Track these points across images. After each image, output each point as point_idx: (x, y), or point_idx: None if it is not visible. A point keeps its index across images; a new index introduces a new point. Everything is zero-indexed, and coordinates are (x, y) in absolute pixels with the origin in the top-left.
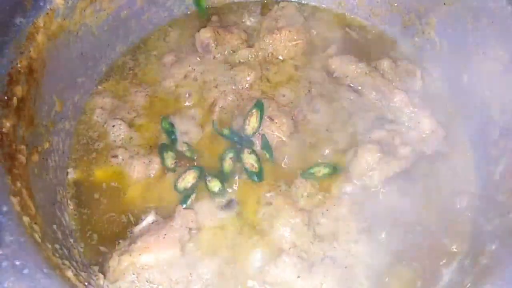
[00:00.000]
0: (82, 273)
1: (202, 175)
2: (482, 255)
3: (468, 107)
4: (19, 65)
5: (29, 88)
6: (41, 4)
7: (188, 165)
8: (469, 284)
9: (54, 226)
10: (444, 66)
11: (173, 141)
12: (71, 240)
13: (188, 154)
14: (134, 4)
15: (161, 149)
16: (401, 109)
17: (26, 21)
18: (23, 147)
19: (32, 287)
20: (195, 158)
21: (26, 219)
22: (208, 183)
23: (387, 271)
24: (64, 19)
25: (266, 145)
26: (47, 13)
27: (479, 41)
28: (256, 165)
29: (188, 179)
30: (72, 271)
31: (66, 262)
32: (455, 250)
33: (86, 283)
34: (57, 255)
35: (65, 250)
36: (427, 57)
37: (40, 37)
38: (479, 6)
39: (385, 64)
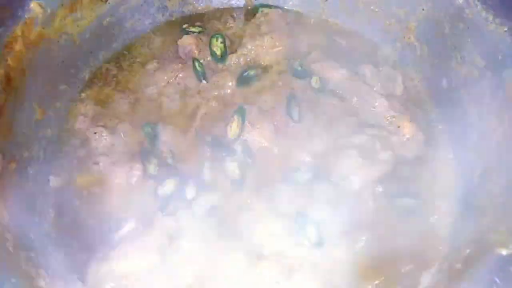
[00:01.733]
0: (59, 282)
1: (182, 182)
2: (457, 260)
3: (448, 112)
4: None
5: (7, 97)
6: (19, 13)
7: (169, 172)
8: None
9: (31, 235)
10: (424, 70)
11: (156, 147)
12: (49, 248)
13: (170, 161)
14: (116, 11)
15: (144, 156)
16: (381, 114)
17: (3, 29)
18: None
19: None
20: (177, 165)
21: None
22: (184, 189)
23: (367, 276)
24: (43, 28)
25: (248, 151)
26: (26, 22)
27: (456, 46)
28: (237, 171)
29: (168, 186)
30: (44, 280)
31: (41, 271)
32: (434, 255)
33: None
34: (31, 263)
35: (40, 258)
36: (408, 62)
37: (18, 46)
38: (455, 12)
39: (366, 69)
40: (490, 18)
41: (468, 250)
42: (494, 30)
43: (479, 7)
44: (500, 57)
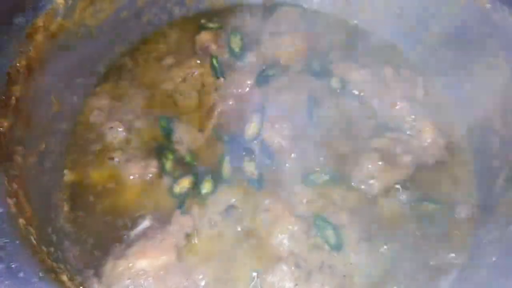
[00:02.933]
0: (76, 277)
1: (198, 181)
2: (481, 267)
3: (470, 117)
4: (18, 65)
5: (28, 88)
6: (41, 3)
7: (184, 170)
8: None
9: (49, 229)
10: (446, 74)
11: (170, 141)
12: (66, 243)
13: (188, 159)
14: (134, 5)
15: (160, 152)
16: (402, 117)
17: (25, 20)
18: (20, 147)
19: None
20: (194, 163)
21: (21, 221)
22: (200, 186)
23: (386, 281)
24: (64, 19)
25: (266, 151)
26: (47, 13)
27: (481, 51)
28: (255, 172)
29: (184, 184)
30: (66, 275)
31: (61, 266)
32: (454, 261)
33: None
34: (52, 258)
35: (59, 254)
36: (429, 66)
37: (39, 37)
38: (481, 16)
39: (387, 71)
40: None
41: (494, 258)
42: None
43: (507, 12)
44: None
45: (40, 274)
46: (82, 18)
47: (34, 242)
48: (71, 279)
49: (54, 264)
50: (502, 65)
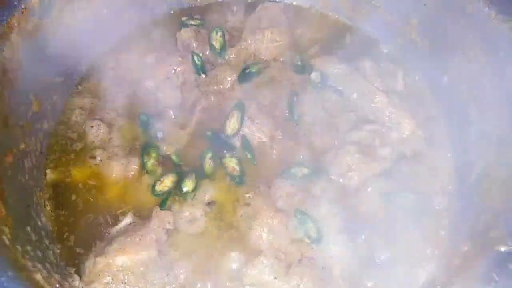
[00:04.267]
0: (56, 275)
1: (180, 179)
2: (455, 256)
3: (448, 109)
4: None
5: (3, 89)
6: (16, 2)
7: (167, 166)
8: (439, 286)
9: (28, 228)
10: (425, 67)
11: (152, 139)
12: (47, 242)
13: (168, 156)
14: (114, 3)
15: (143, 150)
16: (381, 110)
17: None
18: None
19: None
20: (175, 160)
21: None
22: (182, 184)
23: (365, 272)
24: (40, 19)
25: (247, 146)
26: (22, 12)
27: (458, 42)
28: (237, 168)
29: (166, 183)
30: (41, 274)
31: (38, 265)
32: (432, 251)
33: (57, 285)
34: (28, 257)
35: (38, 252)
36: (409, 58)
37: (14, 37)
38: (457, 8)
39: (366, 64)
40: (493, 14)
41: (466, 248)
42: (496, 27)
43: (482, 3)
44: (501, 53)
45: (9, 273)
46: (60, 17)
47: (7, 241)
48: (47, 278)
49: (29, 263)
50: (478, 56)
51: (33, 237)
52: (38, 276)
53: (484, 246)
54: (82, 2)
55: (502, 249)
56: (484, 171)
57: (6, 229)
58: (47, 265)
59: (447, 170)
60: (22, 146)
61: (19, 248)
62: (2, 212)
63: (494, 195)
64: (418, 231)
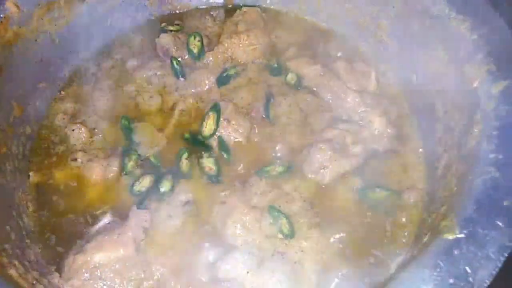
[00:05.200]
0: (34, 272)
1: (159, 178)
2: (417, 248)
3: (418, 107)
4: None
5: None
6: None
7: (146, 168)
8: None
9: (8, 227)
10: (396, 67)
11: (132, 142)
12: (28, 241)
13: (152, 158)
14: (95, 10)
15: (123, 152)
16: (354, 109)
17: None
18: None
19: None
20: (154, 161)
21: None
22: (159, 184)
23: (336, 266)
24: (20, 27)
25: (223, 147)
26: (1, 21)
27: (424, 43)
28: (214, 167)
29: (144, 183)
30: (17, 271)
31: (15, 262)
32: (402, 245)
33: (33, 282)
34: (5, 254)
35: (17, 251)
36: (380, 58)
37: None
38: (422, 9)
39: (340, 65)
40: (452, 14)
41: (425, 238)
42: (457, 26)
43: (443, 3)
44: (461, 52)
45: None
46: (40, 25)
47: None
48: (23, 274)
49: (5, 260)
50: (441, 56)
51: (12, 236)
52: (13, 272)
53: (436, 236)
54: (62, 10)
55: (450, 237)
56: (448, 164)
57: None
58: (26, 263)
59: (417, 166)
60: (4, 149)
61: None
62: None
63: (452, 187)
64: (388, 225)
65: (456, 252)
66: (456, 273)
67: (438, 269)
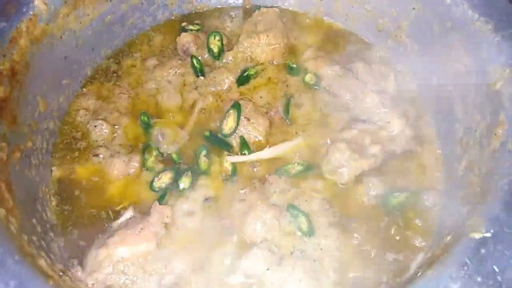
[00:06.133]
0: (59, 265)
1: (178, 176)
2: (439, 247)
3: (437, 108)
4: (1, 68)
5: (12, 90)
6: (24, 9)
7: (166, 164)
8: (420, 272)
9: (34, 220)
10: (415, 68)
11: (153, 139)
12: (51, 234)
13: (168, 154)
14: (118, 9)
15: (144, 149)
16: (372, 109)
17: (9, 25)
18: (4, 144)
19: (2, 273)
20: (175, 158)
21: (2, 211)
22: (179, 181)
23: (355, 264)
24: (47, 24)
25: (244, 145)
26: (30, 18)
27: (445, 44)
28: (233, 165)
29: (164, 179)
30: (45, 261)
31: (42, 253)
32: (421, 245)
33: (60, 273)
34: (33, 245)
35: (43, 243)
36: (399, 60)
37: (23, 41)
38: (443, 11)
39: (359, 66)
40: (475, 16)
41: (448, 237)
42: (479, 29)
43: (465, 5)
44: (484, 54)
45: (16, 257)
46: (66, 23)
47: (14, 230)
48: (50, 265)
49: (34, 251)
50: (463, 58)
51: (39, 229)
52: (42, 262)
53: (461, 235)
54: (87, 9)
55: (476, 236)
56: (469, 166)
57: (14, 220)
58: (51, 255)
59: (435, 167)
60: (29, 143)
61: (25, 237)
62: (10, 203)
63: (476, 187)
64: (407, 225)
65: (483, 251)
66: (484, 272)
67: (466, 268)
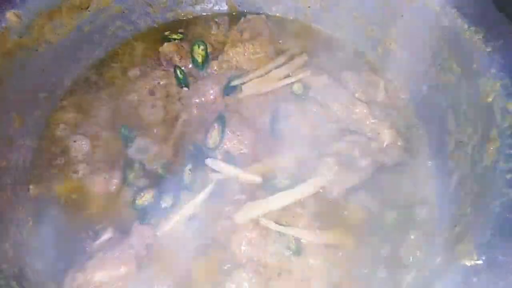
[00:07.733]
0: None
1: (160, 193)
2: (430, 268)
3: (428, 118)
4: None
5: None
6: None
7: (148, 180)
8: None
9: (7, 245)
10: (405, 77)
11: (134, 153)
12: (27, 258)
13: (150, 169)
14: (97, 18)
15: (125, 165)
16: (362, 120)
17: None
18: None
19: None
20: (157, 173)
21: None
22: (161, 199)
23: (345, 284)
24: (20, 37)
25: (228, 159)
26: (1, 32)
27: (434, 53)
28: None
29: (146, 197)
30: None
31: (12, 283)
32: (412, 261)
33: None
34: (2, 276)
35: (14, 270)
36: (389, 68)
37: None
38: (433, 19)
39: (348, 75)
40: (465, 26)
41: (438, 259)
42: (469, 38)
43: (455, 14)
44: (474, 65)
45: None
46: (41, 35)
47: None
48: None
49: (2, 282)
50: (452, 67)
51: (11, 254)
52: None
53: (452, 260)
54: (63, 20)
55: (468, 263)
56: (461, 182)
57: None
58: (24, 282)
59: (427, 180)
60: (3, 163)
61: None
62: None
63: (466, 207)
64: (398, 241)
65: (475, 280)
66: None
67: None
